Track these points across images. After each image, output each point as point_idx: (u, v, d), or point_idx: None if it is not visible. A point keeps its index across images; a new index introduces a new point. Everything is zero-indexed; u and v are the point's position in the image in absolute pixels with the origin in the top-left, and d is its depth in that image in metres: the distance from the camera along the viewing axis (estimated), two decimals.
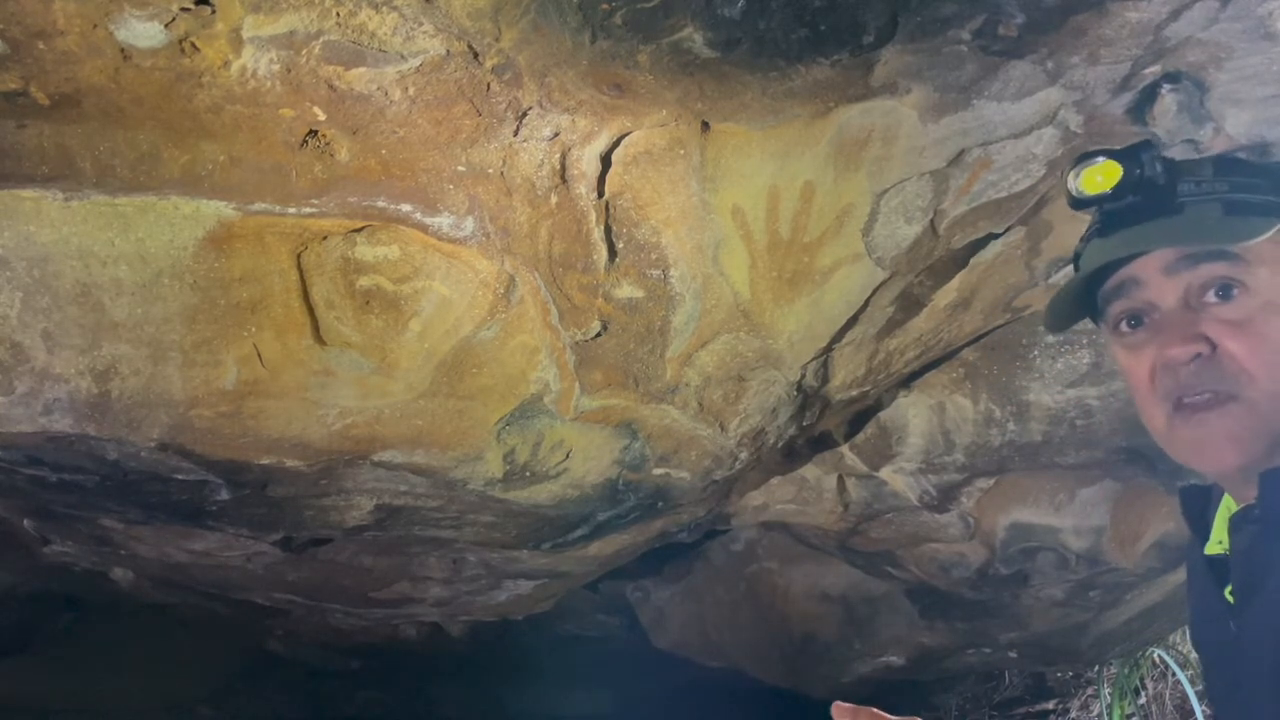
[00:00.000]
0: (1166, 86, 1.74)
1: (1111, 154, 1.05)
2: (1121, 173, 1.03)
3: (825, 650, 3.76)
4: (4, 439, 1.77)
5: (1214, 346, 0.95)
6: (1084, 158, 1.07)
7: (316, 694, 4.47)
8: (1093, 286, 1.08)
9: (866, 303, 2.10)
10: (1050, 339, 2.51)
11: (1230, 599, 0.97)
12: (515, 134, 1.61)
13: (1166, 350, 0.97)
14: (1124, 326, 1.04)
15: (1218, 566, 1.00)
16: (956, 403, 2.70)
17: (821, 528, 3.19)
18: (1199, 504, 1.07)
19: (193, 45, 1.39)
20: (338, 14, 1.38)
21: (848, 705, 0.96)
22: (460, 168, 1.64)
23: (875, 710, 0.94)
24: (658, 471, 2.34)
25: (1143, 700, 4.19)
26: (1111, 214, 1.05)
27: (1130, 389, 1.04)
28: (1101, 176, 1.05)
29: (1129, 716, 4.12)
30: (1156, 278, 1.00)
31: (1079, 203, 1.08)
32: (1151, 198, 1.02)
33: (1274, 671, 0.87)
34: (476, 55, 1.47)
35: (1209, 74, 1.73)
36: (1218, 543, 1.01)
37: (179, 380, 1.75)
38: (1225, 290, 0.96)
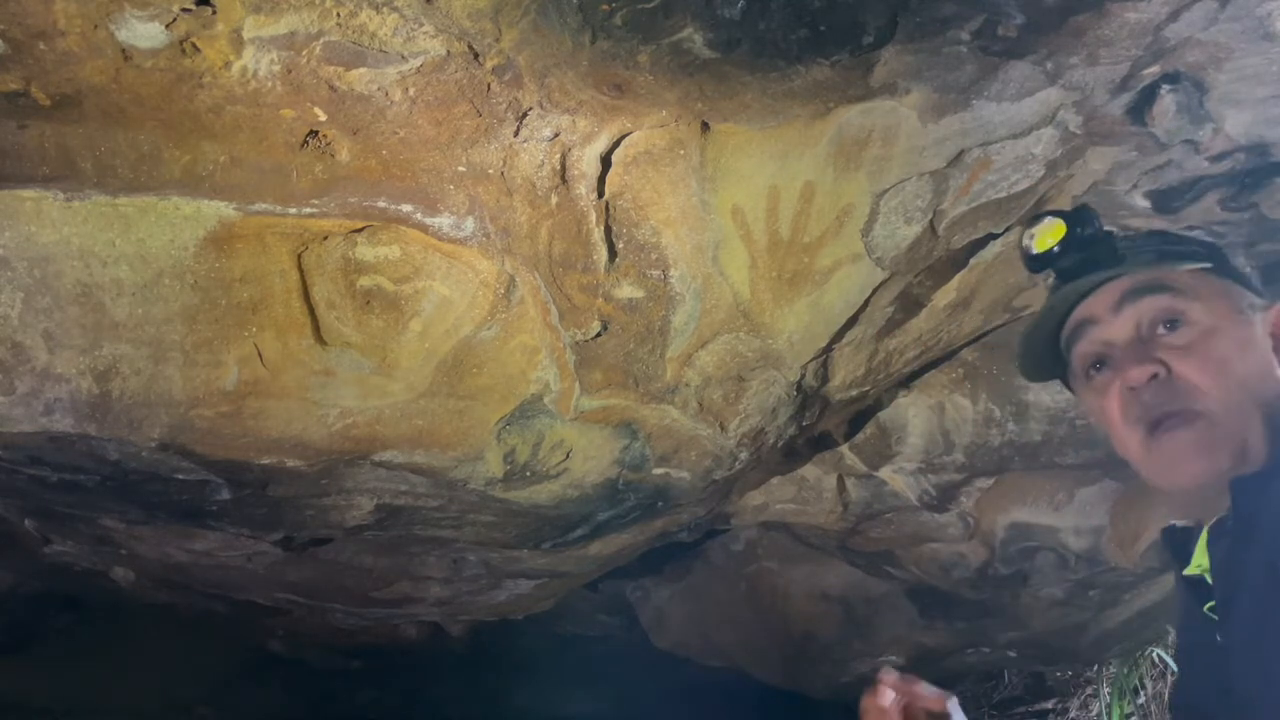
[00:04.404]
0: (1166, 87, 1.75)
1: (1057, 214, 1.20)
2: (1065, 229, 1.19)
3: (825, 650, 3.76)
4: (5, 439, 1.77)
5: (1169, 369, 1.05)
6: (1033, 219, 1.22)
7: (316, 694, 4.47)
8: (1057, 342, 1.19)
9: (866, 303, 2.10)
10: None
11: (1212, 615, 1.00)
12: (515, 134, 1.61)
13: (1127, 375, 1.07)
14: (1091, 372, 1.15)
15: (1196, 586, 1.06)
16: (956, 403, 2.70)
17: (821, 528, 3.19)
18: (1181, 540, 1.13)
19: (193, 46, 1.39)
20: (338, 15, 1.38)
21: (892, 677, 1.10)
22: (461, 168, 1.64)
23: (916, 681, 1.08)
24: (658, 471, 2.34)
25: (1142, 700, 4.19)
26: (1064, 269, 1.19)
27: (1106, 429, 1.13)
28: (1050, 235, 1.20)
29: (1128, 716, 4.12)
30: (1107, 315, 1.12)
31: (1033, 261, 1.22)
32: (1095, 252, 1.17)
33: (1266, 668, 0.89)
34: (477, 56, 1.47)
35: (1208, 74, 1.73)
36: (1196, 566, 1.07)
37: (180, 380, 1.75)
38: (1172, 322, 1.08)
